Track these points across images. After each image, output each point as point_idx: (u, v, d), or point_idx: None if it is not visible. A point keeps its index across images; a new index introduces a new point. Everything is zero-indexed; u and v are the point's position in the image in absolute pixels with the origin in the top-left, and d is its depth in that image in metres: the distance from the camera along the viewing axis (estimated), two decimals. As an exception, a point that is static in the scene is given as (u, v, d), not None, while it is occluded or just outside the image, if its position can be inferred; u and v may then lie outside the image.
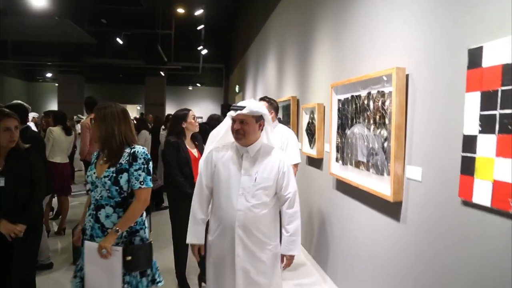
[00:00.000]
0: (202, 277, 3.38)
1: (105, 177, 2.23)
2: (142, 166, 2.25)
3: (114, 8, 12.03)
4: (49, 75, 21.97)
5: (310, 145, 4.19)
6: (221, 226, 2.23)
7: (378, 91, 2.59)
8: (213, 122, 4.66)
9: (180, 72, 19.60)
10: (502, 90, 1.59)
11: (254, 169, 2.20)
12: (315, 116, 3.97)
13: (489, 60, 1.67)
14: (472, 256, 1.76)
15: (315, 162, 4.11)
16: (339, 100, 3.31)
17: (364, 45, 2.92)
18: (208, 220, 2.39)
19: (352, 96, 3.02)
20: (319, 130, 3.91)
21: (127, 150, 2.26)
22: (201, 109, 21.27)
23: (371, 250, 2.80)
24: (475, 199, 1.72)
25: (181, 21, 14.50)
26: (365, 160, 2.81)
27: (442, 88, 2.01)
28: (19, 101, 3.90)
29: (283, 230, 2.26)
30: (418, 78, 2.23)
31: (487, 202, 1.65)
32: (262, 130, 2.25)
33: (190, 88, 22.91)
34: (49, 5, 7.05)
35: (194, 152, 3.38)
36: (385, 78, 2.48)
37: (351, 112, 3.05)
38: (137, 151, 2.27)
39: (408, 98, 2.31)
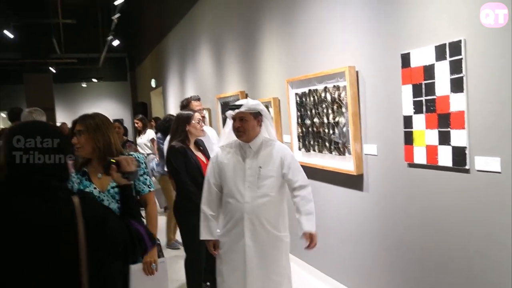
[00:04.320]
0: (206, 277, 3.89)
1: (112, 188, 2.60)
2: (145, 170, 2.89)
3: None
4: None
5: (268, 138, 5.37)
6: (231, 220, 2.93)
7: (334, 85, 3.84)
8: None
9: (72, 67, 19.61)
10: (425, 83, 2.90)
11: (257, 162, 2.92)
12: (271, 109, 5.15)
13: (415, 62, 2.97)
14: (418, 201, 3.06)
15: (275, 154, 5.30)
16: (296, 93, 4.52)
17: (316, 46, 4.17)
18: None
19: (310, 90, 4.24)
20: (276, 122, 5.10)
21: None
22: (102, 110, 21.33)
23: (339, 222, 4.05)
24: (416, 160, 3.02)
25: (69, 6, 14.83)
26: (327, 145, 4.05)
27: (384, 81, 3.30)
28: None
29: (299, 214, 2.94)
30: (366, 74, 3.50)
31: (423, 161, 2.96)
32: (261, 125, 2.99)
33: (84, 85, 22.75)
34: None
35: (201, 157, 3.77)
36: (339, 75, 3.74)
37: (310, 104, 4.27)
38: (138, 156, 2.87)
39: (360, 90, 3.57)
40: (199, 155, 3.77)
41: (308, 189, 3.00)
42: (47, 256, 1.63)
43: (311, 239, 2.92)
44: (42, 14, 14.82)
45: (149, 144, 7.82)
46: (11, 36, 13.47)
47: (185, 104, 4.56)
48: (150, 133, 7.96)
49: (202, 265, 3.70)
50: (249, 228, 2.90)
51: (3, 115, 21.53)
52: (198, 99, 4.58)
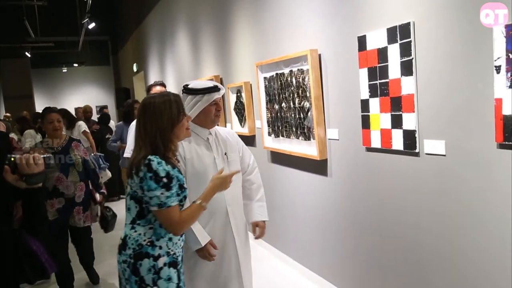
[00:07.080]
0: None
1: None
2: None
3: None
4: None
5: (241, 124, 5.53)
6: (213, 217, 2.74)
7: (298, 69, 3.98)
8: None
9: (50, 51, 19.61)
10: (379, 66, 3.05)
11: (221, 149, 2.84)
12: (243, 94, 5.30)
13: (370, 45, 3.12)
14: (376, 185, 3.24)
15: (248, 140, 5.45)
16: (265, 78, 4.67)
17: (283, 29, 4.31)
18: None
19: (277, 74, 4.39)
20: (248, 107, 5.25)
21: None
22: (85, 96, 21.50)
23: (305, 207, 4.24)
24: (373, 145, 3.19)
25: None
26: (294, 130, 4.21)
27: (344, 65, 3.45)
28: None
29: (250, 200, 2.96)
30: (327, 57, 3.65)
31: (379, 145, 3.12)
32: None
33: (65, 70, 22.79)
34: None
35: None
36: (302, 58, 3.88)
37: (277, 88, 4.42)
38: None
39: (322, 74, 3.72)
40: None
41: (258, 171, 3.06)
42: None
43: (262, 229, 2.97)
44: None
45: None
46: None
47: (147, 90, 4.76)
48: (82, 125, 7.82)
49: None
50: (234, 223, 2.83)
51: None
52: (159, 84, 4.72)
